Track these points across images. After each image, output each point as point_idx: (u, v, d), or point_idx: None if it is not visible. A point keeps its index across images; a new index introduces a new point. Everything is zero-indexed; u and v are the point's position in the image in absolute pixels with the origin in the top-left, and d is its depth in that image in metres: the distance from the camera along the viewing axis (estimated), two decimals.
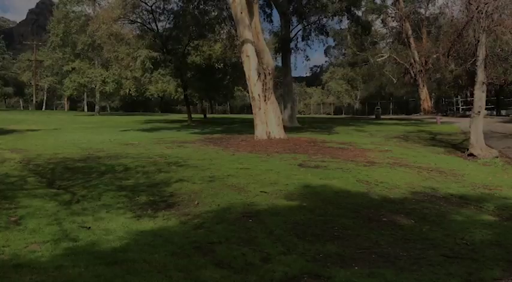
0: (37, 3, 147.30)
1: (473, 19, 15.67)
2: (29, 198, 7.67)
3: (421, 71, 47.13)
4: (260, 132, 18.32)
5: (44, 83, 74.21)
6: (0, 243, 5.27)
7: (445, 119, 33.96)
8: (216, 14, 31.86)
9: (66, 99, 71.02)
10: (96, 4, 46.91)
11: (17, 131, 25.45)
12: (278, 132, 18.49)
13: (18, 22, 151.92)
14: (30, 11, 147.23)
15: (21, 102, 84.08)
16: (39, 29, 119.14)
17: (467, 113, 32.71)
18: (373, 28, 42.71)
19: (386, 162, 12.56)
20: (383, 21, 52.10)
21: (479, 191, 9.54)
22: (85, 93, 59.78)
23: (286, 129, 21.16)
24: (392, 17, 50.44)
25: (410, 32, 47.95)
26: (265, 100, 18.54)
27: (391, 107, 61.39)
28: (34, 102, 68.43)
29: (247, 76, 18.78)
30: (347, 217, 6.83)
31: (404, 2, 48.98)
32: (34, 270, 4.25)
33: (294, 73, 71.83)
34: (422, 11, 51.66)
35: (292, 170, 10.76)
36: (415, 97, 54.89)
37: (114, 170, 10.66)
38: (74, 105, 78.08)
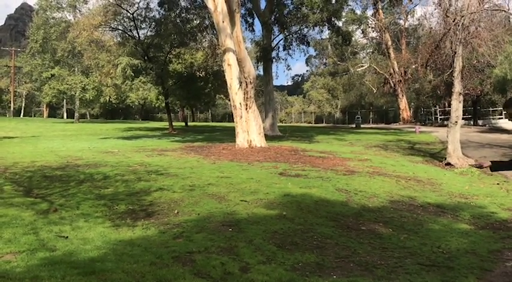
0: (16, 9, 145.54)
1: (450, 31, 16.05)
2: (5, 207, 7.53)
3: (400, 81, 47.91)
4: (241, 140, 18.34)
5: (22, 89, 73.18)
6: None
7: (423, 128, 34.50)
8: (198, 22, 31.91)
9: (45, 106, 70.09)
10: (77, 11, 46.52)
11: None
12: (259, 141, 18.54)
13: None
14: (9, 17, 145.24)
15: None
16: (18, 34, 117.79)
17: (445, 122, 33.31)
18: (353, 38, 43.30)
19: (365, 171, 12.69)
20: (363, 31, 52.91)
21: (456, 200, 9.71)
22: (64, 100, 59.11)
23: (268, 137, 21.23)
24: (372, 28, 51.28)
25: (389, 43, 48.77)
26: (246, 109, 18.60)
27: (371, 116, 62.10)
28: (12, 109, 67.31)
29: (228, 85, 18.83)
30: (326, 226, 6.88)
31: (384, 13, 49.83)
32: (9, 281, 4.18)
33: (276, 82, 72.34)
34: (401, 22, 52.64)
35: (272, 179, 10.79)
36: (394, 107, 55.66)
37: (93, 179, 10.55)
38: (53, 112, 77.11)
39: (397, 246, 6.11)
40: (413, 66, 42.59)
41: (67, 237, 6.01)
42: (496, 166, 4.83)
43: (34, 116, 75.78)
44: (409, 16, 52.03)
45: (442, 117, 42.45)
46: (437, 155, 18.00)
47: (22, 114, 73.95)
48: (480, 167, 4.81)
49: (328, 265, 5.25)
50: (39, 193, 8.96)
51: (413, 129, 31.94)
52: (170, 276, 4.56)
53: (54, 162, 13.25)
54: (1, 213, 7.13)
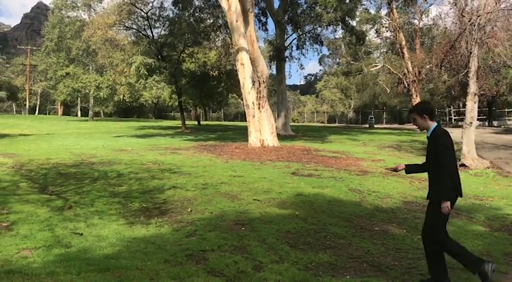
0: (32, 8, 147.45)
1: (465, 31, 15.86)
2: (21, 204, 7.64)
3: (415, 81, 47.37)
4: (254, 140, 18.35)
5: (37, 87, 74.15)
6: None
7: None
8: (211, 21, 31.99)
9: (59, 104, 70.89)
10: (92, 10, 46.96)
11: (9, 135, 25.35)
12: (272, 140, 18.53)
13: (12, 26, 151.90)
14: (25, 16, 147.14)
15: (14, 107, 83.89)
16: (34, 33, 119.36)
17: (460, 123, 32.98)
18: (367, 38, 43.03)
19: (379, 171, 12.62)
20: (377, 31, 52.39)
21: (470, 202, 9.61)
22: (79, 99, 59.69)
23: (280, 137, 21.21)
24: (386, 28, 50.74)
25: (404, 43, 48.21)
26: (259, 108, 18.61)
27: (384, 116, 61.71)
28: (27, 106, 68.20)
29: (241, 84, 18.85)
30: (339, 226, 6.86)
31: (398, 12, 49.36)
32: (26, 277, 4.24)
33: (288, 81, 72.37)
34: (416, 22, 52.05)
35: (285, 178, 10.79)
36: (408, 107, 55.14)
37: (107, 176, 10.64)
38: (68, 110, 78.01)
39: (410, 247, 6.07)
40: (428, 67, 42.14)
41: (82, 234, 6.08)
42: (410, 169, 5.17)
43: (49, 114, 76.72)
44: (423, 16, 51.42)
45: (457, 117, 42.06)
46: None
47: (37, 112, 74.90)
48: (395, 170, 5.23)
49: (341, 265, 5.24)
50: (54, 190, 9.07)
51: None
52: (184, 274, 4.59)
53: (69, 160, 13.39)
54: (17, 209, 7.24)
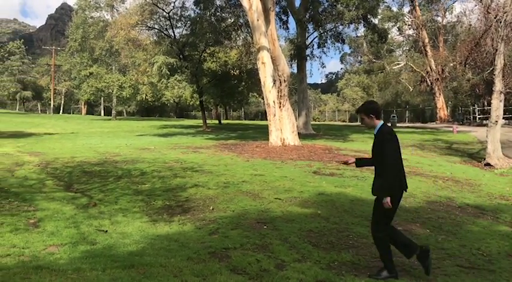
0: (56, 9, 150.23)
1: (491, 28, 15.59)
2: (47, 201, 7.80)
3: (438, 79, 46.74)
4: (275, 138, 18.34)
5: (61, 87, 75.55)
6: (20, 244, 5.38)
7: (461, 128, 33.61)
8: (232, 21, 32.05)
9: (83, 103, 72.03)
10: (115, 10, 47.51)
11: (35, 134, 25.89)
12: (293, 139, 18.49)
13: (37, 27, 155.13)
14: (50, 17, 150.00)
15: (39, 106, 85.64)
16: (58, 34, 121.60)
17: (484, 122, 32.39)
18: (389, 36, 42.54)
19: None
20: (399, 29, 51.90)
21: (496, 202, 9.44)
22: (102, 98, 60.47)
23: (301, 136, 21.15)
24: (408, 25, 50.18)
25: (427, 40, 47.62)
26: (280, 107, 18.58)
27: (407, 115, 60.91)
28: (52, 106, 69.50)
29: (262, 83, 18.85)
30: (362, 225, 6.81)
31: (421, 10, 48.71)
32: (53, 272, 4.33)
33: (310, 80, 72.13)
34: (439, 19, 51.33)
35: (306, 177, 10.76)
36: (431, 105, 54.40)
37: (130, 175, 10.79)
38: (91, 109, 79.26)
39: (434, 247, 5.99)
40: (451, 64, 41.53)
41: (106, 231, 6.18)
42: (360, 163, 5.38)
43: (73, 113, 78.05)
44: (447, 13, 50.72)
45: (481, 116, 41.26)
46: (475, 155, 17.52)
47: (61, 111, 76.27)
48: (346, 163, 5.46)
49: (364, 265, 5.22)
50: (79, 188, 9.24)
51: (451, 129, 31.15)
52: (207, 271, 4.62)
53: (93, 158, 13.60)
54: (44, 207, 7.40)
